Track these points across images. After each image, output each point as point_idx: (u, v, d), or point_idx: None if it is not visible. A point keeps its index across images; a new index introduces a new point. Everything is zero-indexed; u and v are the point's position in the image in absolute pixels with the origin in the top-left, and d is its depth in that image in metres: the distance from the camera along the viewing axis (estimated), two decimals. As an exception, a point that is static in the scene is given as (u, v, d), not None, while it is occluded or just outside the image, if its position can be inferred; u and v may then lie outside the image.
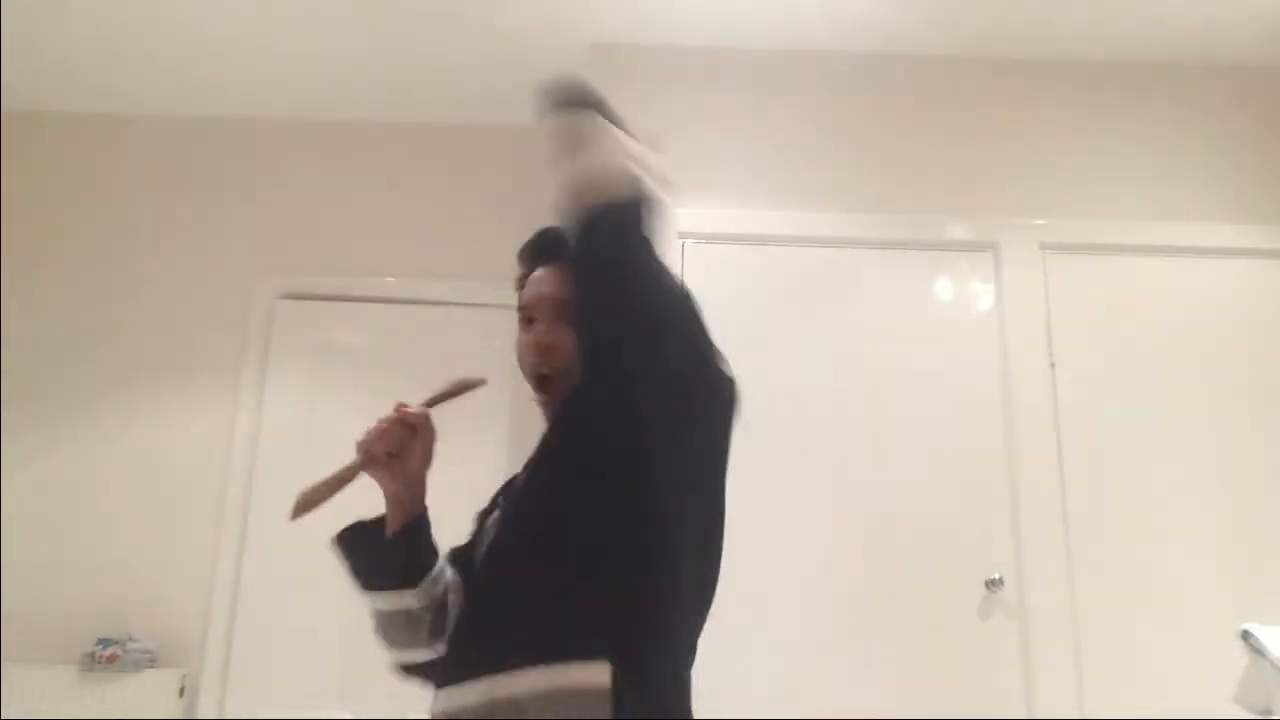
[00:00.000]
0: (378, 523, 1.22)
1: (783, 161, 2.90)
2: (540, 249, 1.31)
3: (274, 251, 3.34)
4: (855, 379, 2.72)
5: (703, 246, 2.79)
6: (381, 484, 1.20)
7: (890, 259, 2.83)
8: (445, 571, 1.24)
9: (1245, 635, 1.89)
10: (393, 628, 1.21)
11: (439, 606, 1.21)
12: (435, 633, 1.20)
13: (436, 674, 1.17)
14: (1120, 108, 2.97)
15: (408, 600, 1.19)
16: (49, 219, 3.34)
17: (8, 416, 3.12)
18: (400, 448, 1.19)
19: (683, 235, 2.79)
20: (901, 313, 2.79)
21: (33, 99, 3.35)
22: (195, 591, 3.00)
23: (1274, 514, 2.64)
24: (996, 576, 2.56)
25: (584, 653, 0.97)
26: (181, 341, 3.23)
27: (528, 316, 1.25)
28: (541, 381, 1.22)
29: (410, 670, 1.24)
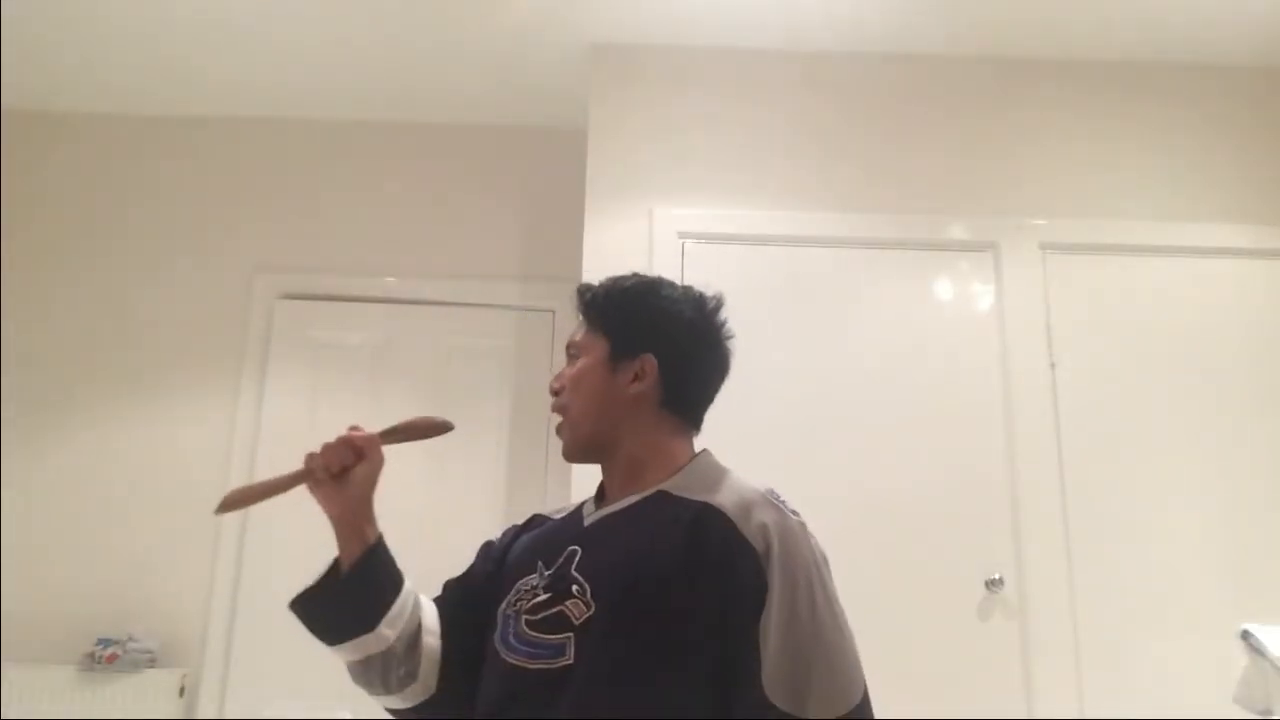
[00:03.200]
0: (331, 571, 1.17)
1: (783, 162, 2.90)
2: (579, 308, 1.30)
3: (274, 251, 3.34)
4: (855, 379, 2.72)
5: (703, 246, 2.79)
6: (321, 503, 1.17)
7: (890, 259, 2.83)
8: (416, 606, 1.19)
9: (1245, 635, 1.89)
10: (361, 676, 1.18)
11: (407, 648, 1.17)
12: (406, 678, 1.17)
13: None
14: (1120, 108, 2.97)
15: (368, 646, 1.15)
16: (49, 219, 3.34)
17: (7, 416, 3.12)
18: (342, 468, 1.16)
19: (683, 235, 2.79)
20: (901, 313, 2.79)
21: (33, 99, 3.35)
22: (195, 591, 3.00)
23: (1274, 514, 2.64)
24: (996, 576, 2.56)
25: None
26: (181, 341, 3.23)
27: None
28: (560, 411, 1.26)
29: (395, 714, 1.23)
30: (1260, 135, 2.96)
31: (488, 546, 1.33)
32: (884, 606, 2.55)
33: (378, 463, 1.18)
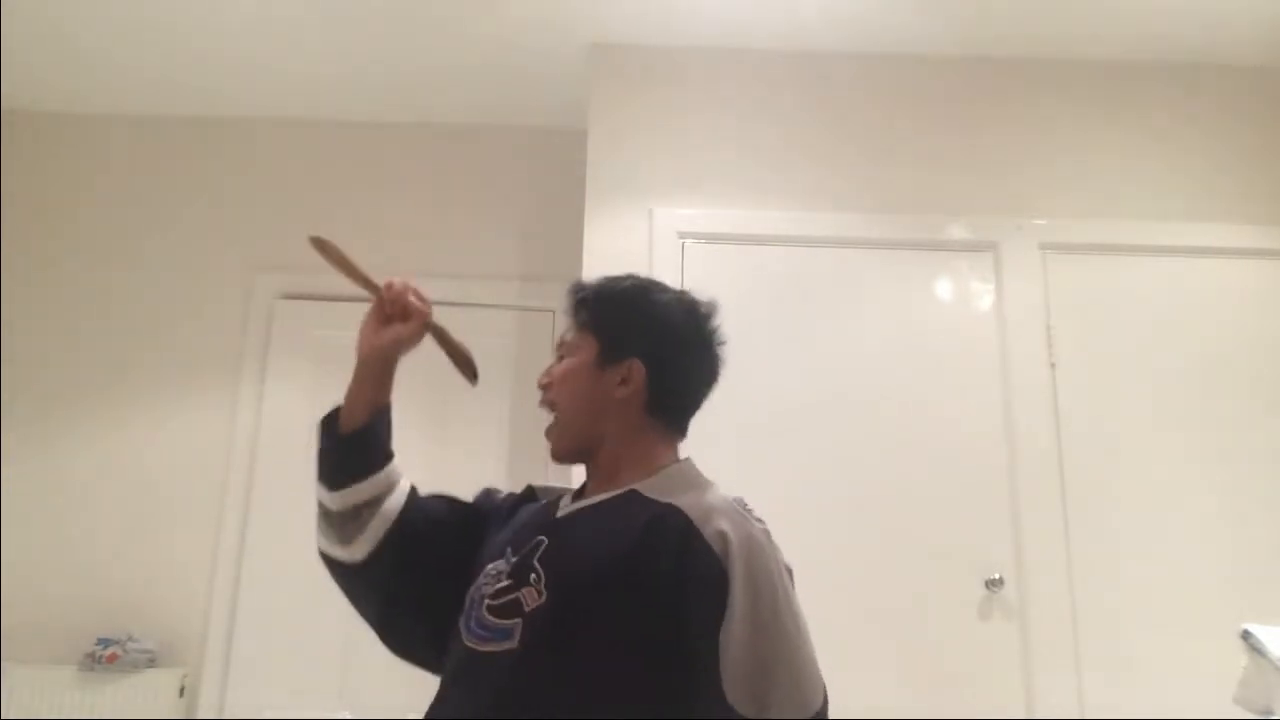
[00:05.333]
0: (332, 420, 1.28)
1: (783, 161, 2.90)
2: (569, 307, 1.33)
3: (274, 251, 3.33)
4: (854, 379, 2.72)
5: (703, 246, 2.79)
6: (361, 334, 1.32)
7: (890, 259, 2.83)
8: (393, 482, 1.27)
9: (1245, 635, 1.89)
10: (319, 520, 1.27)
11: (355, 510, 1.24)
12: (347, 537, 1.24)
13: (352, 583, 1.26)
14: (1120, 108, 2.97)
15: (328, 498, 1.24)
16: (49, 219, 3.34)
17: (8, 416, 3.12)
18: (391, 312, 1.30)
19: (683, 235, 2.79)
20: (901, 313, 2.79)
21: (33, 99, 3.35)
22: (195, 591, 3.00)
23: (1274, 514, 2.64)
24: (996, 576, 2.56)
25: None
26: (181, 341, 3.23)
27: None
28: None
29: (326, 559, 1.29)
30: (1261, 135, 2.95)
31: (486, 494, 1.39)
32: (884, 607, 2.55)
33: (410, 332, 1.31)
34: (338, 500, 1.23)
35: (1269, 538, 2.62)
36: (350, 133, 3.44)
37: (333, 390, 3.34)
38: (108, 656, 2.83)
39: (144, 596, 2.99)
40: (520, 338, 3.21)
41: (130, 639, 2.87)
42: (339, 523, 1.24)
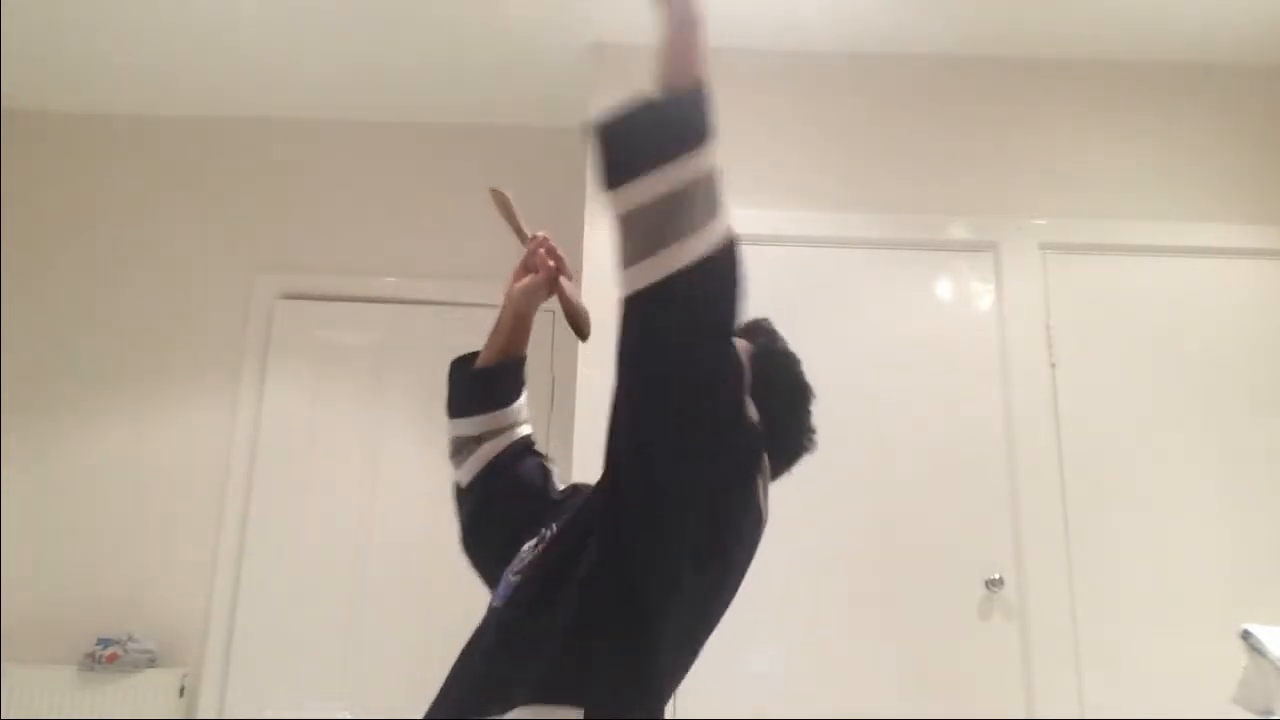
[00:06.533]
0: (472, 357, 1.38)
1: (783, 162, 2.90)
2: None
3: (274, 251, 3.34)
4: (854, 379, 2.71)
5: (703, 246, 2.79)
6: (513, 275, 1.38)
7: (890, 259, 2.83)
8: (501, 426, 1.36)
9: (1245, 635, 1.89)
10: (459, 447, 1.37)
11: (463, 441, 1.35)
12: (457, 461, 1.37)
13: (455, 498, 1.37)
14: (1120, 108, 2.97)
15: (447, 424, 1.37)
16: (49, 219, 3.34)
17: (7, 416, 3.13)
18: (531, 267, 1.36)
19: (683, 235, 2.79)
20: (901, 313, 2.79)
21: (33, 99, 3.35)
22: (195, 591, 3.00)
23: (1274, 514, 2.64)
24: (996, 576, 2.56)
25: (563, 697, 1.00)
26: (181, 341, 3.23)
27: None
28: None
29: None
30: (1261, 135, 2.95)
31: (574, 490, 1.40)
32: (885, 606, 2.55)
33: (535, 284, 1.36)
34: (450, 428, 1.38)
35: (1269, 538, 2.62)
36: (350, 133, 3.44)
37: (333, 390, 3.36)
38: (108, 656, 2.83)
39: (144, 596, 2.99)
40: (520, 338, 3.21)
41: (130, 639, 2.88)
42: (453, 447, 1.38)
